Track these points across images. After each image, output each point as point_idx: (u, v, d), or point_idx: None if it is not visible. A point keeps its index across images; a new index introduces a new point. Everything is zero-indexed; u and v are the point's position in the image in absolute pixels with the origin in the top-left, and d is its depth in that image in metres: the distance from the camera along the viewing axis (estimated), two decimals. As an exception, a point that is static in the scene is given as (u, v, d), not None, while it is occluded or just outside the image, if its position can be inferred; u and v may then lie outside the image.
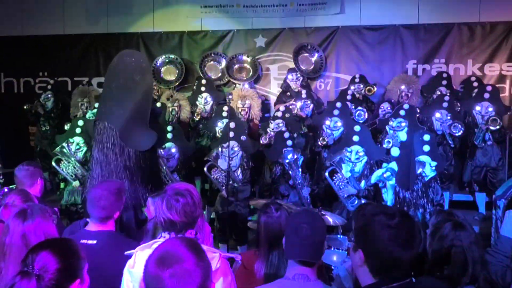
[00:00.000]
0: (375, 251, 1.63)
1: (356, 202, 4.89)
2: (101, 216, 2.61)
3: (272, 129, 6.15)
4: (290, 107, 6.68)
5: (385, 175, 4.36)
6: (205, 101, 7.05)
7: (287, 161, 5.20)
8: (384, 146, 5.19)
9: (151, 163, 3.99)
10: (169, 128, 5.75)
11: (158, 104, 7.02)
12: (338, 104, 6.05)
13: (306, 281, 2.07)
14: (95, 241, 2.54)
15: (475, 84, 7.00)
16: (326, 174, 4.96)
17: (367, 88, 7.08)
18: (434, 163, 4.40)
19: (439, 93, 6.87)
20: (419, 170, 4.39)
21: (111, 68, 4.09)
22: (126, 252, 2.16)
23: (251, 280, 2.50)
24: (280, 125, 6.12)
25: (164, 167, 5.01)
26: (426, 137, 4.54)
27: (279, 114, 6.33)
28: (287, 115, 6.34)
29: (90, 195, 2.65)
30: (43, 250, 1.64)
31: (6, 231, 2.16)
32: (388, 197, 4.45)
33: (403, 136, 4.56)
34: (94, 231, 2.60)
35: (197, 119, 6.97)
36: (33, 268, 1.58)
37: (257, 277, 2.57)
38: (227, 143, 5.07)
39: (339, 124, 5.88)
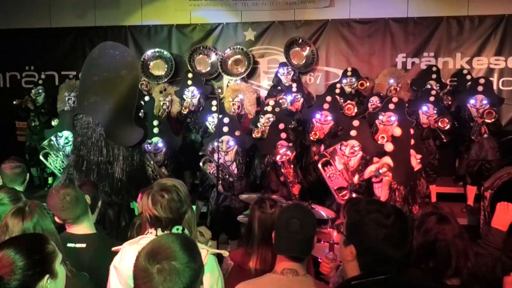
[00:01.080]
0: (368, 249, 1.62)
1: (347, 195, 4.88)
2: (74, 216, 2.56)
3: (263, 123, 6.11)
4: (280, 101, 6.65)
5: (381, 171, 4.31)
6: (192, 94, 6.96)
7: (278, 157, 5.16)
8: (379, 142, 5.17)
9: (137, 160, 3.93)
10: (155, 122, 5.69)
11: (147, 98, 6.96)
12: (328, 98, 6.03)
13: (295, 276, 2.07)
14: (84, 245, 2.51)
15: (468, 77, 7.03)
16: (319, 165, 4.93)
17: (359, 82, 7.08)
18: (418, 156, 4.41)
19: (429, 86, 6.89)
20: None
21: (91, 59, 3.97)
22: (113, 248, 2.14)
23: (242, 277, 2.48)
24: (271, 119, 6.09)
25: (152, 162, 4.97)
26: (411, 131, 4.55)
27: (269, 108, 6.29)
28: (277, 109, 6.30)
29: (49, 205, 2.56)
30: (3, 250, 1.58)
31: (4, 230, 2.12)
32: (382, 192, 4.40)
33: (397, 131, 4.55)
34: (81, 234, 2.57)
35: (185, 112, 6.90)
36: None
37: (252, 273, 2.56)
38: (221, 138, 5.03)
39: (329, 118, 5.86)
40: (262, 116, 6.22)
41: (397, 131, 4.52)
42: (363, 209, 1.68)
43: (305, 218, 2.12)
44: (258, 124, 6.15)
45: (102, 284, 2.22)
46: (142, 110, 5.44)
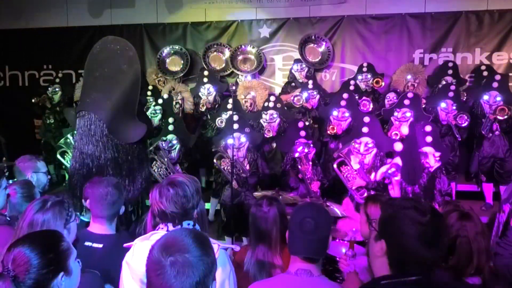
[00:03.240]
0: (399, 245, 1.57)
1: (366, 194, 4.82)
2: (110, 214, 2.59)
3: (267, 120, 6.07)
4: (296, 98, 6.60)
5: (389, 171, 4.27)
6: (208, 91, 7.01)
7: (297, 154, 5.13)
8: (393, 138, 5.12)
9: (140, 156, 3.87)
10: (171, 120, 5.71)
11: (165, 96, 7.00)
12: (345, 95, 5.99)
13: (309, 277, 2.04)
14: (101, 245, 2.51)
15: (485, 73, 6.89)
16: (335, 166, 4.89)
17: (374, 80, 7.00)
18: (437, 154, 4.33)
19: (444, 82, 6.77)
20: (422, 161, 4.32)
21: (93, 55, 3.89)
22: (125, 245, 2.14)
23: (237, 273, 2.45)
24: (275, 116, 6.05)
25: (166, 159, 4.98)
26: (428, 128, 4.47)
27: (270, 104, 6.24)
28: (278, 105, 6.26)
29: (95, 194, 2.60)
30: (18, 248, 1.58)
31: (23, 218, 2.16)
32: (394, 193, 4.36)
33: (404, 129, 4.48)
34: (100, 234, 2.57)
35: (202, 109, 6.93)
36: (8, 270, 1.54)
37: (244, 270, 2.54)
38: (233, 135, 5.03)
39: (347, 114, 5.82)
40: (265, 112, 6.17)
41: (404, 130, 4.46)
42: (399, 204, 1.63)
43: (320, 217, 2.07)
44: (261, 121, 6.11)
45: (116, 284, 2.21)
46: (145, 105, 5.31)
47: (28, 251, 1.57)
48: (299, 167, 5.17)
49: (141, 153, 3.91)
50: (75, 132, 5.65)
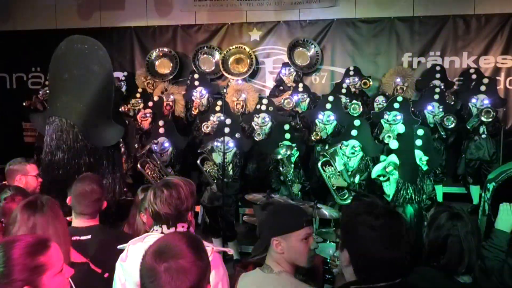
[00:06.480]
0: (358, 251, 1.57)
1: (347, 195, 4.85)
2: (92, 211, 2.57)
3: (258, 123, 6.08)
4: (286, 101, 6.62)
5: (387, 170, 4.27)
6: (200, 94, 6.98)
7: (279, 157, 5.15)
8: (385, 141, 5.14)
9: (114, 159, 3.77)
10: (161, 122, 5.70)
11: (156, 98, 6.98)
12: (330, 98, 6.03)
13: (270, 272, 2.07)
14: (89, 236, 2.51)
15: (474, 76, 6.99)
16: (319, 164, 4.91)
17: (362, 82, 7.05)
18: (425, 158, 4.35)
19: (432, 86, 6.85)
20: None
21: (59, 56, 3.72)
22: (119, 246, 2.13)
23: None
24: (266, 119, 6.06)
25: (158, 162, 4.97)
26: (420, 132, 4.49)
27: (263, 107, 6.25)
28: (270, 108, 6.28)
29: (77, 191, 2.55)
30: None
31: (13, 221, 2.08)
32: (390, 191, 4.36)
33: (400, 127, 4.51)
34: (85, 227, 2.56)
35: (195, 113, 6.91)
36: None
37: None
38: (222, 138, 5.03)
39: (332, 118, 5.86)
40: (257, 115, 6.18)
41: (401, 128, 4.49)
42: (353, 211, 1.63)
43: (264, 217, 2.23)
44: (253, 124, 6.11)
45: (111, 272, 2.19)
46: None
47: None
48: (281, 169, 5.20)
49: (116, 155, 3.82)
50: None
